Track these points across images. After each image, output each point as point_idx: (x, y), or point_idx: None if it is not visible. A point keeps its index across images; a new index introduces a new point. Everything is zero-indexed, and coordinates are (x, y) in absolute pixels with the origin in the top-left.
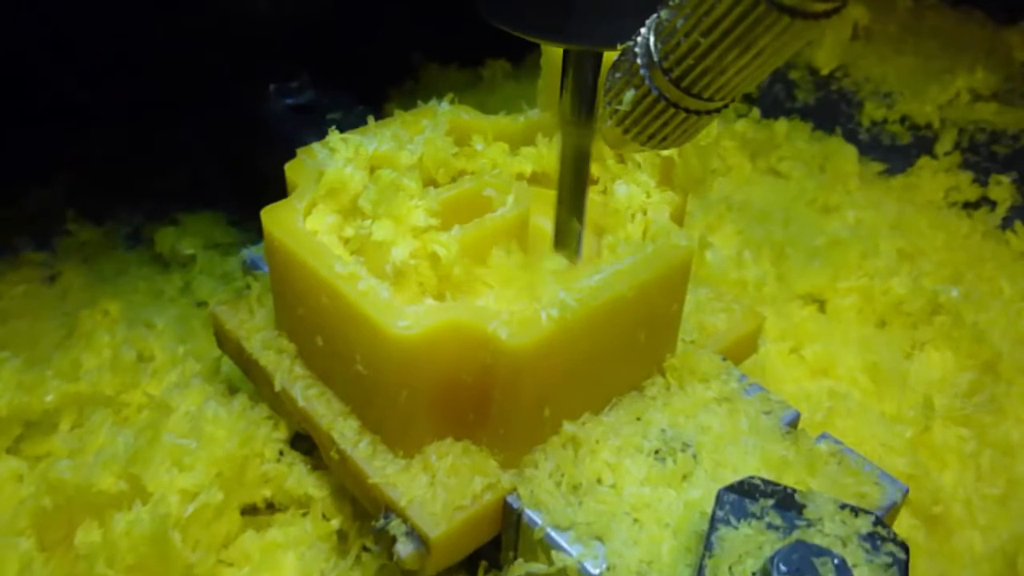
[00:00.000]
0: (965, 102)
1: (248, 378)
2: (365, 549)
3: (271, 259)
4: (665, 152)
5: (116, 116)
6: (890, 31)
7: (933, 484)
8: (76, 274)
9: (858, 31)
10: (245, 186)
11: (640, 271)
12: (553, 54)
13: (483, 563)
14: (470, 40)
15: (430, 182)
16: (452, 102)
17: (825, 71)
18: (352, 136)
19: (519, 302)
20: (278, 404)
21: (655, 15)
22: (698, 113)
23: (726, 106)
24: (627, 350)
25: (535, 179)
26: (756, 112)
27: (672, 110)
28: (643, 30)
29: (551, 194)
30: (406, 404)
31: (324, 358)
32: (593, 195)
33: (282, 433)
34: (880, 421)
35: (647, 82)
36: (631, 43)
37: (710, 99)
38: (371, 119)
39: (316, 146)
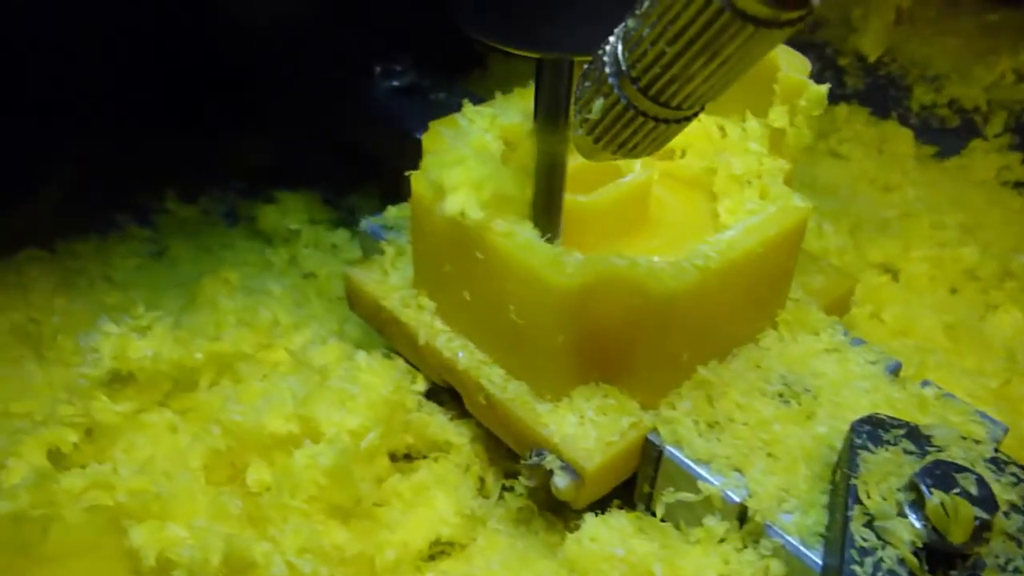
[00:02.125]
0: (1010, 82)
1: (383, 336)
2: (505, 489)
3: (417, 220)
4: (777, 124)
5: (212, 97)
6: (930, 15)
7: (1020, 431)
8: (182, 248)
9: (902, 15)
10: (339, 165)
11: (767, 229)
12: None
13: (615, 501)
14: None
15: None
16: None
17: (872, 57)
18: (485, 108)
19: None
20: (418, 358)
21: (623, 24)
22: (667, 122)
23: (695, 115)
24: (751, 302)
25: None
26: None
27: (641, 119)
28: (611, 39)
29: (668, 166)
30: (560, 350)
31: (469, 312)
32: (700, 166)
33: (420, 386)
34: (965, 374)
35: (616, 91)
36: (600, 52)
37: (678, 107)
38: (498, 94)
39: (456, 116)
